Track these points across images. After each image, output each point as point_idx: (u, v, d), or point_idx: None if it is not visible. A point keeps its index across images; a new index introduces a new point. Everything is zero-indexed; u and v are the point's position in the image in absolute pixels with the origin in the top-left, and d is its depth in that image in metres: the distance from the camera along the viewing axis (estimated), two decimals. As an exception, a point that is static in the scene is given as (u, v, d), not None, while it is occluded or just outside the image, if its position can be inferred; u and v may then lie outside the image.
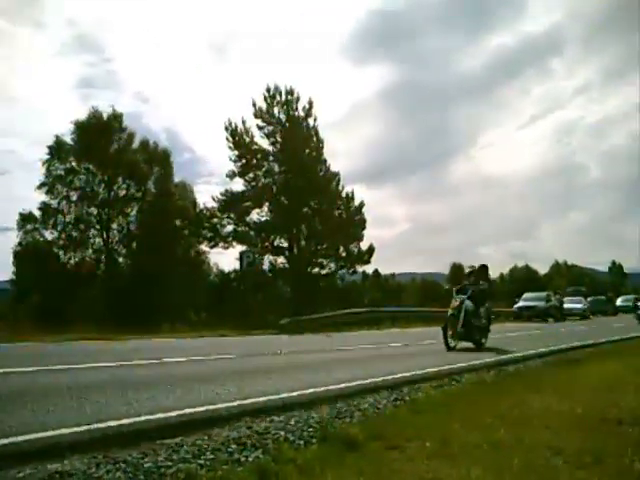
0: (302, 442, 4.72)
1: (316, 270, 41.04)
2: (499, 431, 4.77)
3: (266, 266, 39.81)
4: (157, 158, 41.74)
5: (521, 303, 39.44)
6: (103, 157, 39.27)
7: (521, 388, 7.29)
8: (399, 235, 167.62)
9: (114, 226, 41.03)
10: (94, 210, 40.44)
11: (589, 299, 48.70)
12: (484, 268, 14.93)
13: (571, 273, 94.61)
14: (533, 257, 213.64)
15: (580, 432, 4.73)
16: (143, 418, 4.89)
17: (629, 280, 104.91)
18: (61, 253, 39.71)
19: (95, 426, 4.50)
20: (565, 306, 41.77)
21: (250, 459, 4.19)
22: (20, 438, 4.13)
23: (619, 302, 55.80)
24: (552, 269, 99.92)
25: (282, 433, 4.94)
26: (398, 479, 3.57)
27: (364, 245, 41.65)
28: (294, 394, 6.45)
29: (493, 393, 6.99)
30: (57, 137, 39.57)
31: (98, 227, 40.45)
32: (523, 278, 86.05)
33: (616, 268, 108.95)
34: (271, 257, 40.48)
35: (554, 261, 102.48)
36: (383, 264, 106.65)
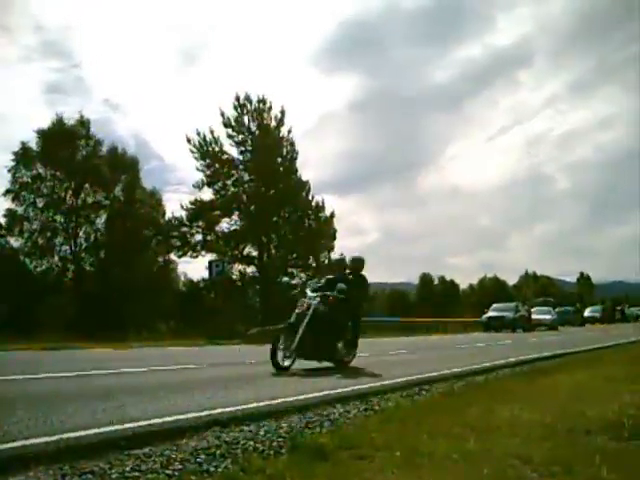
0: (272, 452, 4.69)
1: (286, 280, 40.97)
2: (468, 441, 4.77)
3: (236, 275, 39.68)
4: (125, 165, 41.48)
5: (490, 313, 39.75)
6: (69, 164, 38.94)
7: (489, 398, 7.31)
8: (368, 245, 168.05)
9: (81, 234, 40.64)
10: (61, 217, 40.01)
11: (557, 310, 49.22)
12: (359, 263, 12.10)
13: (539, 284, 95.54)
14: (502, 267, 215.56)
15: (549, 442, 4.75)
16: (110, 428, 4.83)
17: (597, 291, 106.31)
18: (27, 260, 39.24)
19: (60, 437, 4.43)
20: (533, 317, 42.20)
21: (219, 469, 4.16)
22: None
23: (587, 313, 56.56)
24: (521, 280, 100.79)
25: (251, 443, 4.90)
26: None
27: (334, 255, 41.66)
28: (262, 404, 6.42)
29: (461, 403, 7.01)
30: (23, 144, 39.24)
31: (65, 234, 40.02)
32: (492, 288, 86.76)
33: (584, 279, 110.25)
34: (241, 266, 40.37)
35: (524, 272, 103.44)
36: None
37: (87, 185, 40.32)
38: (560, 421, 5.59)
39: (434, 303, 74.13)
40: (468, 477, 3.75)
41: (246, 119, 40.20)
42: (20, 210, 39.34)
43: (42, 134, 38.93)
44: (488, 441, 4.76)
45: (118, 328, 28.13)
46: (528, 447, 4.56)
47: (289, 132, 40.91)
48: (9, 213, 38.96)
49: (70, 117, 40.29)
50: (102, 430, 4.77)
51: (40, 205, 39.50)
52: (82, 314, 34.29)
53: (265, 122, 40.30)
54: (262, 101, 40.38)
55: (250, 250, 40.54)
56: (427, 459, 4.25)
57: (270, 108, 40.53)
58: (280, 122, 40.62)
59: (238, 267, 40.11)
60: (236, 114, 40.10)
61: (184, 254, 39.92)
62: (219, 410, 5.91)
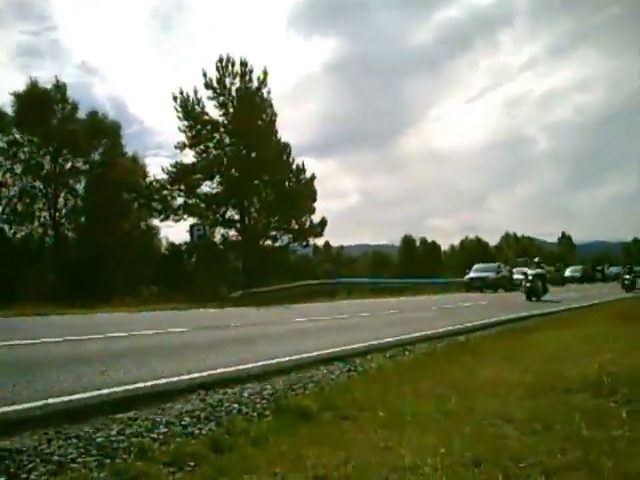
0: (255, 414, 4.73)
1: (268, 243, 40.95)
2: (450, 400, 4.84)
3: (218, 239, 39.61)
4: (105, 130, 40.89)
5: (472, 274, 39.93)
6: (46, 129, 38.26)
7: (471, 358, 7.39)
8: (350, 207, 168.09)
9: (61, 200, 40.23)
10: (40, 183, 39.57)
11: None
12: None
13: (520, 245, 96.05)
14: (484, 229, 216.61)
15: (529, 401, 4.82)
16: (95, 393, 4.85)
17: (577, 251, 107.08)
18: (6, 227, 38.88)
19: (45, 402, 4.45)
20: (515, 277, 42.45)
21: (204, 432, 4.19)
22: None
23: (567, 272, 57.03)
24: (502, 241, 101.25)
25: (236, 406, 4.94)
26: (351, 448, 3.60)
27: (316, 218, 41.66)
28: (248, 366, 6.46)
29: (444, 363, 7.08)
30: (-3, 108, 38.43)
31: (44, 200, 39.64)
32: (474, 249, 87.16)
33: (565, 239, 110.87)
34: (223, 230, 40.24)
35: (504, 233, 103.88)
36: (333, 237, 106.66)
37: (65, 150, 39.78)
38: (540, 380, 5.67)
39: (416, 264, 74.44)
40: (450, 436, 3.80)
41: (228, 81, 39.67)
42: (-3, 177, 38.70)
43: (17, 97, 38.23)
44: (469, 401, 4.83)
45: (101, 294, 27.96)
46: (508, 406, 4.63)
47: (269, 93, 40.58)
48: (-15, 179, 38.39)
49: (47, 82, 39.56)
50: (87, 395, 4.78)
51: (18, 171, 38.97)
52: (64, 280, 34.12)
53: (247, 84, 39.89)
54: (244, 63, 39.81)
55: (232, 213, 40.36)
56: (410, 419, 4.31)
57: (252, 70, 40.08)
58: (262, 84, 40.21)
59: (220, 231, 40.03)
60: (218, 75, 39.62)
61: (166, 218, 39.61)
62: (203, 373, 5.94)
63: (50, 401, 4.48)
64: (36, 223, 39.47)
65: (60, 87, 39.74)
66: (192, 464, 3.45)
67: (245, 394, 5.36)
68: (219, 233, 39.90)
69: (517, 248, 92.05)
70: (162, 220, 40.12)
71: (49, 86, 39.24)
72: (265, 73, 40.29)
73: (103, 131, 40.68)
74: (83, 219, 40.11)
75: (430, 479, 3.06)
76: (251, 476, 3.18)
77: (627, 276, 33.93)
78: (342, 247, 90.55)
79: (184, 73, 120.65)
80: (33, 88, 38.60)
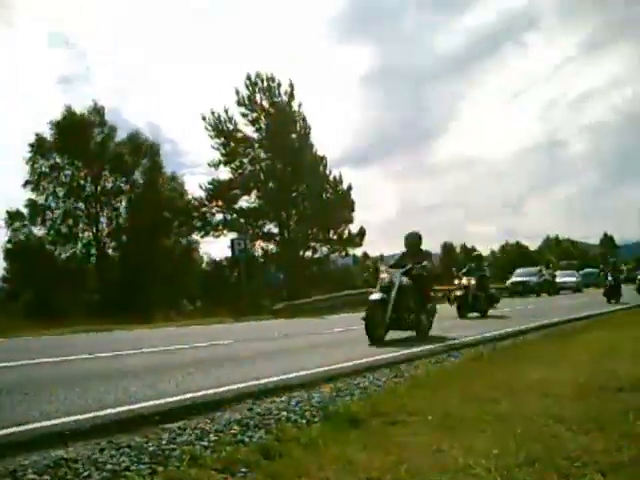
0: (304, 421, 4.72)
1: (308, 254, 41.10)
2: (499, 403, 4.79)
3: (258, 252, 39.89)
4: (144, 150, 41.54)
5: (514, 279, 39.53)
6: (86, 152, 39.12)
7: (519, 361, 7.31)
8: (387, 216, 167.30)
9: (103, 219, 40.96)
10: (82, 204, 40.33)
11: (581, 272, 48.87)
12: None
13: (562, 247, 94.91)
14: (524, 233, 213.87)
15: (581, 401, 4.75)
16: (145, 404, 4.90)
17: (621, 251, 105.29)
18: (51, 248, 39.63)
19: (97, 413, 4.51)
20: (557, 280, 41.93)
21: (254, 440, 4.20)
22: (23, 427, 4.16)
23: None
24: (543, 244, 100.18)
25: (284, 413, 4.95)
26: (402, 451, 3.58)
27: (354, 228, 41.71)
28: (293, 375, 6.48)
29: (491, 367, 7.01)
30: (37, 135, 39.48)
31: (87, 221, 40.35)
32: (514, 254, 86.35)
33: (607, 240, 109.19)
34: (262, 243, 40.56)
35: (545, 236, 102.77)
36: (371, 246, 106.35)
37: (106, 172, 40.53)
38: (591, 380, 5.59)
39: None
40: (502, 437, 3.75)
41: (258, 97, 40.13)
42: (41, 200, 39.75)
43: (56, 125, 39.09)
44: (519, 402, 4.77)
45: (143, 311, 28.28)
46: (560, 406, 4.56)
47: (299, 107, 40.83)
48: (30, 203, 39.29)
49: (83, 106, 40.50)
50: (137, 406, 4.84)
51: (60, 194, 39.84)
52: (107, 298, 34.61)
53: (276, 99, 40.18)
54: (271, 79, 40.20)
55: (270, 227, 40.75)
56: (460, 422, 4.27)
57: (279, 85, 40.42)
58: (291, 97, 40.48)
59: (260, 244, 40.36)
60: (248, 92, 40.03)
61: (206, 234, 40.17)
62: (251, 383, 5.97)
63: (101, 413, 4.55)
64: (79, 244, 40.21)
65: (99, 110, 40.53)
66: (244, 470, 3.46)
67: (293, 402, 5.36)
68: (259, 246, 40.21)
69: (559, 251, 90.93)
70: (202, 236, 40.77)
71: (85, 110, 40.06)
72: (291, 85, 40.54)
73: (142, 151, 41.33)
74: (124, 238, 40.69)
75: (484, 479, 3.02)
76: (302, 480, 3.18)
77: None
78: (382, 257, 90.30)
79: (215, 90, 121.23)
80: (70, 114, 39.38)
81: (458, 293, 18.10)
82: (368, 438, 4.00)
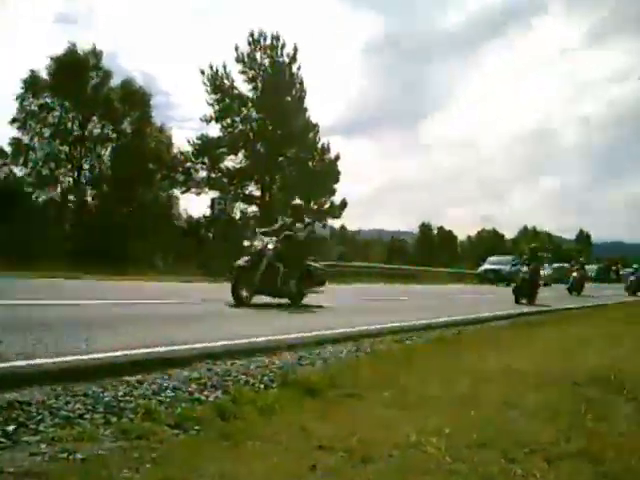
0: (262, 386, 4.75)
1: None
2: (458, 385, 4.84)
3: (237, 214, 39.68)
4: (136, 100, 40.93)
5: (486, 266, 39.73)
6: (79, 94, 38.29)
7: (481, 347, 7.38)
8: (370, 190, 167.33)
9: (86, 165, 40.43)
10: (66, 148, 39.72)
11: (553, 266, 49.16)
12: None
13: (537, 239, 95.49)
14: (502, 221, 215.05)
15: (536, 390, 4.81)
16: (103, 355, 4.89)
17: (595, 250, 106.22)
18: (30, 190, 39.08)
19: (54, 360, 4.49)
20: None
21: (210, 399, 4.22)
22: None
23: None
24: (520, 234, 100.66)
25: (243, 376, 4.97)
26: (356, 424, 3.61)
27: (336, 199, 41.54)
28: (259, 339, 6.49)
29: (453, 350, 7.07)
30: (32, 71, 38.39)
31: (69, 166, 39.83)
32: (490, 241, 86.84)
33: (583, 237, 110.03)
34: (243, 205, 40.32)
35: (522, 226, 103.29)
36: (351, 219, 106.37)
37: (95, 117, 39.94)
38: (549, 372, 5.66)
39: (432, 253, 74.36)
40: (456, 419, 3.80)
41: (259, 55, 39.54)
42: (26, 139, 38.87)
43: (55, 61, 38.25)
44: (477, 387, 4.82)
45: (119, 262, 28.10)
46: (516, 394, 4.62)
47: (299, 69, 40.33)
48: (14, 142, 38.40)
49: (81, 48, 39.48)
50: (96, 356, 4.82)
51: (46, 135, 39.16)
52: (82, 246, 34.28)
53: (278, 59, 39.70)
54: (276, 37, 39.58)
55: (252, 189, 40.42)
56: (416, 399, 4.31)
57: (283, 45, 39.82)
58: (292, 59, 39.97)
59: (240, 206, 40.11)
60: (249, 50, 39.46)
61: (187, 190, 39.79)
62: (212, 343, 5.97)
63: (59, 359, 4.54)
64: (59, 188, 39.72)
65: (97, 54, 39.74)
66: (197, 428, 3.48)
67: (253, 366, 5.38)
68: (238, 208, 39.97)
69: (535, 242, 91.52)
70: (183, 192, 40.28)
71: (85, 51, 39.27)
72: (295, 49, 40.03)
73: (134, 100, 40.68)
74: (105, 187, 40.26)
75: (434, 457, 3.07)
76: (255, 443, 3.20)
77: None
78: (359, 231, 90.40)
79: (215, 46, 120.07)
80: (71, 53, 38.62)
81: None
82: (323, 408, 4.04)
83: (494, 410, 4.13)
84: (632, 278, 31.94)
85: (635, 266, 33.81)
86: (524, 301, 18.24)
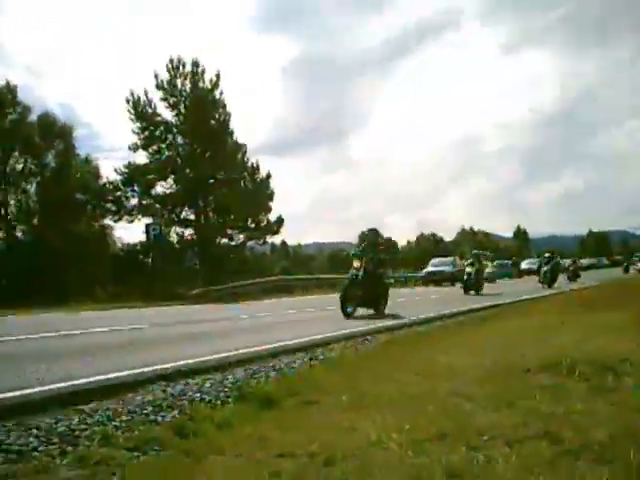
0: (219, 402, 4.72)
1: (225, 241, 40.73)
2: (411, 384, 4.88)
3: (174, 238, 39.33)
4: (57, 132, 40.18)
5: (429, 268, 40.16)
6: (-4, 131, 37.39)
7: (430, 346, 7.46)
8: (305, 206, 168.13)
9: (12, 202, 39.47)
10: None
11: (495, 263, 49.95)
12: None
13: (476, 239, 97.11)
14: (439, 225, 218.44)
15: (490, 382, 4.88)
16: (55, 386, 4.78)
17: (533, 244, 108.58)
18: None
19: (3, 395, 4.38)
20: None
21: (167, 419, 4.17)
22: None
23: (524, 265, 57.52)
24: (459, 236, 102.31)
25: (198, 395, 4.92)
26: (316, 429, 3.61)
27: (272, 216, 41.53)
28: (209, 358, 6.44)
29: (403, 351, 7.13)
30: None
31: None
32: (429, 245, 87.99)
33: (520, 233, 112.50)
34: (179, 229, 39.99)
35: (460, 228, 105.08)
36: (290, 235, 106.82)
37: (16, 153, 39.04)
38: (500, 363, 5.75)
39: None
40: (413, 415, 3.83)
41: (179, 82, 39.31)
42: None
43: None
44: (430, 384, 4.87)
45: (56, 296, 27.52)
46: (470, 387, 4.68)
47: (221, 94, 40.26)
48: None
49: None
50: (45, 388, 4.71)
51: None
52: (17, 283, 33.46)
53: (199, 85, 39.54)
54: (196, 64, 39.46)
55: (187, 213, 40.14)
56: (373, 401, 4.34)
57: (204, 71, 39.74)
58: (215, 85, 39.86)
59: (176, 230, 39.77)
60: (169, 77, 39.23)
61: (120, 219, 39.22)
62: (164, 365, 5.89)
63: (7, 395, 4.43)
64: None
65: (11, 89, 38.91)
66: (157, 448, 3.44)
67: (207, 384, 5.34)
68: (175, 232, 39.65)
69: (473, 243, 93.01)
70: (116, 221, 39.77)
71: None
72: (218, 75, 40.02)
73: (55, 133, 39.98)
74: (36, 221, 39.40)
75: (396, 453, 3.09)
76: (217, 456, 3.17)
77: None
78: (300, 245, 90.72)
79: (135, 74, 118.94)
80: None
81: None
82: (282, 417, 4.03)
83: (451, 404, 4.18)
84: (545, 269, 28.24)
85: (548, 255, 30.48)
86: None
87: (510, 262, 55.28)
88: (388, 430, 3.47)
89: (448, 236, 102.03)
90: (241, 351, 6.99)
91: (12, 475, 3.05)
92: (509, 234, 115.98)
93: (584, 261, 67.82)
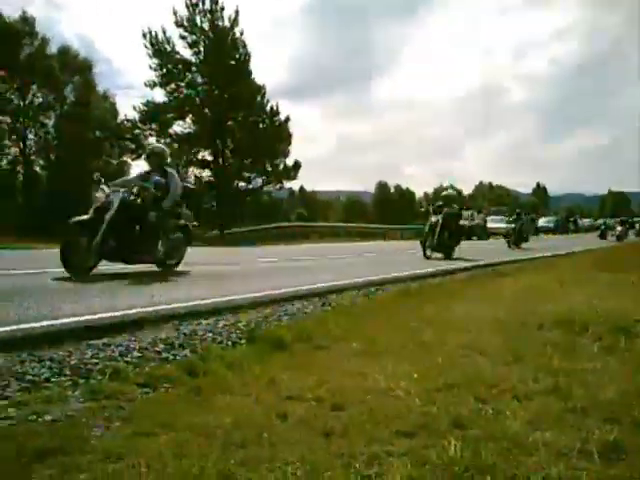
0: (230, 343, 4.74)
1: (242, 184, 40.61)
2: (424, 333, 4.88)
3: (191, 179, 39.26)
4: (77, 67, 39.90)
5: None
6: (13, 63, 37.16)
7: (445, 298, 7.44)
8: (324, 152, 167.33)
9: (31, 136, 39.45)
10: (7, 118, 38.64)
11: (510, 218, 49.66)
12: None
13: (495, 194, 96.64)
14: (458, 177, 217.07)
15: (502, 335, 4.87)
16: (68, 320, 4.81)
17: (552, 202, 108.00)
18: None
19: (18, 327, 4.41)
20: (489, 225, 42.62)
21: (178, 358, 4.19)
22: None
23: (541, 223, 57.11)
24: (476, 189, 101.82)
25: (210, 335, 4.94)
26: (325, 374, 3.62)
27: (290, 161, 41.28)
28: (223, 299, 6.45)
29: (417, 301, 7.11)
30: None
31: (14, 137, 38.82)
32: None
33: (539, 190, 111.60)
34: (196, 170, 39.85)
35: (479, 182, 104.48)
36: (307, 182, 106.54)
37: (34, 86, 38.80)
38: (513, 317, 5.74)
39: (390, 211, 74.76)
40: (424, 364, 3.83)
41: (198, 19, 38.68)
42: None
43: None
44: (443, 334, 4.86)
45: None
46: (482, 339, 4.68)
47: (242, 34, 39.65)
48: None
49: (10, 15, 38.11)
50: (60, 321, 4.74)
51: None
52: (34, 217, 33.64)
53: (218, 23, 38.90)
54: (214, 1, 38.90)
55: (205, 154, 39.94)
56: (384, 349, 4.34)
57: (223, 8, 39.00)
58: (234, 23, 39.21)
59: (194, 171, 39.64)
60: (188, 14, 38.59)
61: (138, 157, 39.10)
62: (176, 305, 5.91)
63: (22, 326, 4.46)
64: (4, 160, 38.77)
65: (28, 20, 38.49)
66: (167, 386, 3.46)
67: (220, 324, 5.36)
68: (192, 173, 39.50)
69: (491, 197, 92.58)
70: (134, 159, 39.63)
71: (15, 18, 37.94)
72: (237, 12, 39.25)
73: (75, 68, 39.67)
74: (53, 156, 39.40)
75: (403, 401, 3.09)
76: (225, 396, 3.19)
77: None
78: (315, 192, 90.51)
79: (156, 12, 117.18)
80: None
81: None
82: (292, 361, 4.04)
83: (461, 356, 4.18)
84: (513, 226, 27.21)
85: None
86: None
87: (527, 219, 55.00)
88: (397, 378, 3.48)
89: (466, 189, 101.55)
90: (259, 294, 7.00)
91: (25, 403, 3.08)
92: (528, 190, 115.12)
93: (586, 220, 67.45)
